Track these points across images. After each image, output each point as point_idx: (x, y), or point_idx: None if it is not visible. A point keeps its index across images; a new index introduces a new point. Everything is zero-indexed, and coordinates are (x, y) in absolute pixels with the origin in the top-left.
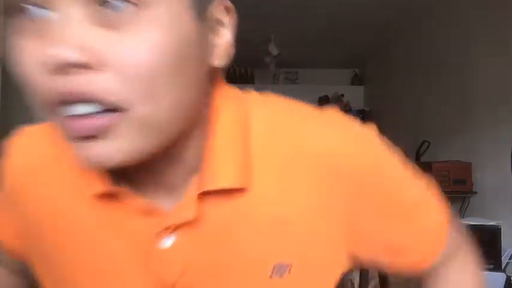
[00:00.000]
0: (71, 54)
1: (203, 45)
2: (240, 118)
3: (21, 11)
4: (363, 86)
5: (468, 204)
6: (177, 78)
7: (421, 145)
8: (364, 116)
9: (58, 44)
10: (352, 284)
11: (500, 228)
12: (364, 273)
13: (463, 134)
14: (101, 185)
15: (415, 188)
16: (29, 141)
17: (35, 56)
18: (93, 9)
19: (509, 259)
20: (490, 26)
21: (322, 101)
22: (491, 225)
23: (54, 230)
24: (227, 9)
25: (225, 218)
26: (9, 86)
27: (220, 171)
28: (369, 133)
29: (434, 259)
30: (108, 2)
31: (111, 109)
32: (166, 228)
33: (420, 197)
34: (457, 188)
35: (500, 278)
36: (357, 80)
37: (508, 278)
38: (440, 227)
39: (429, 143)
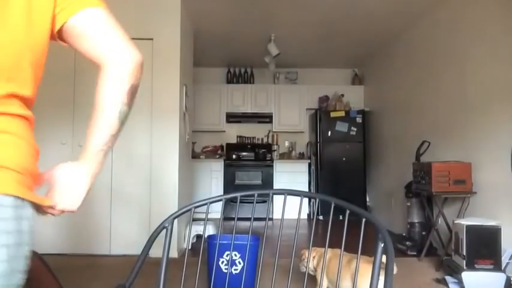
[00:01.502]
0: None
1: None
2: None
3: None
4: (363, 86)
5: (468, 204)
6: None
7: (421, 145)
8: (364, 115)
9: None
10: None
11: (500, 228)
12: None
13: (463, 134)
14: None
15: None
16: None
17: None
18: None
19: (509, 259)
20: (490, 27)
21: (322, 101)
22: (491, 225)
23: None
24: None
25: None
26: None
27: None
28: None
29: (89, 4)
30: None
31: None
32: None
33: None
34: (457, 188)
35: (500, 278)
36: (357, 80)
37: (508, 278)
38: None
39: (429, 143)
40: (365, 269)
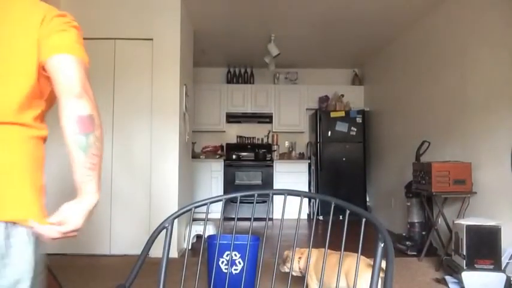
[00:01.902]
0: None
1: None
2: None
3: None
4: (363, 86)
5: (468, 204)
6: None
7: (421, 145)
8: (364, 115)
9: None
10: None
11: (500, 228)
12: None
13: (463, 134)
14: None
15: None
16: None
17: None
18: None
19: (509, 259)
20: (489, 27)
21: (323, 101)
22: (491, 225)
23: None
24: None
25: None
26: None
27: None
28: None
29: (69, 52)
30: None
31: None
32: None
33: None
34: (457, 188)
35: (500, 278)
36: (357, 80)
37: (508, 278)
38: (70, 48)
39: (429, 143)
40: (360, 270)
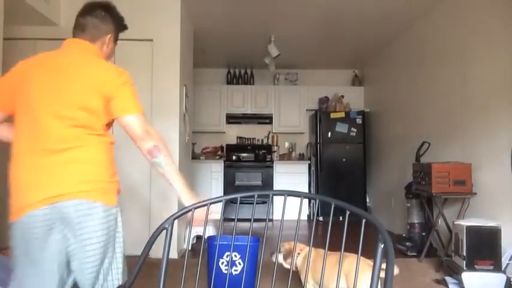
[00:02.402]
0: None
1: None
2: None
3: None
4: (363, 87)
5: (468, 205)
6: None
7: (421, 146)
8: (364, 116)
9: None
10: None
11: (500, 229)
12: None
13: (463, 134)
14: None
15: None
16: None
17: None
18: None
19: (509, 260)
20: (488, 27)
21: (322, 102)
22: (491, 226)
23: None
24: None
25: None
26: None
27: None
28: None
29: (132, 112)
30: None
31: None
32: None
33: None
34: (457, 189)
35: (500, 278)
36: (357, 81)
37: (508, 278)
38: (131, 109)
39: (429, 143)
40: (360, 269)
